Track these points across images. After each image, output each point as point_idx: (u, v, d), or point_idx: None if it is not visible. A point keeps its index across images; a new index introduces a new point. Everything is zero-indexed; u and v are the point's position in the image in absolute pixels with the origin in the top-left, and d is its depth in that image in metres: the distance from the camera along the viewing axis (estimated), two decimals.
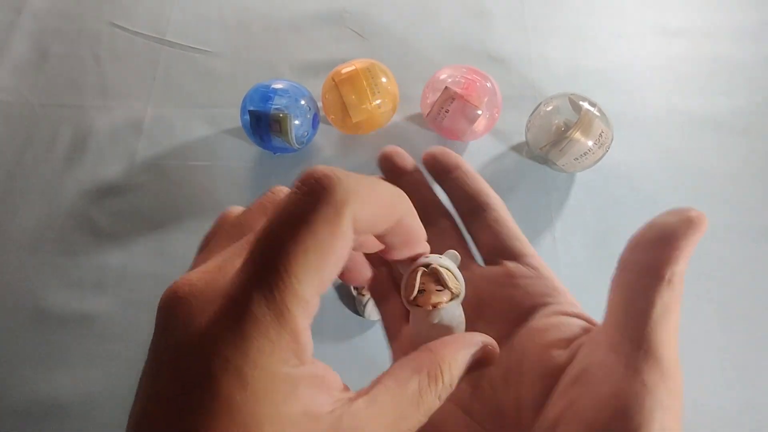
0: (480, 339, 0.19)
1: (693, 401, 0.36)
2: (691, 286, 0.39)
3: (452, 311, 0.22)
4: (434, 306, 0.21)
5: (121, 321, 0.39)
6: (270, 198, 0.19)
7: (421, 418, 0.17)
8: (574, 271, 0.40)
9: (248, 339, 0.14)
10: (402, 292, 0.22)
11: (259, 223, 0.16)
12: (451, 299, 0.22)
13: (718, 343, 0.38)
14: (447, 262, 0.23)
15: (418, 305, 0.21)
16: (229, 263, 0.15)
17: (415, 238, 0.19)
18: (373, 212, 0.16)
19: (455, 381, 0.18)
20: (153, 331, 0.16)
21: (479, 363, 0.19)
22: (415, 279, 0.21)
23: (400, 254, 0.20)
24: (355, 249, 0.18)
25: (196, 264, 0.17)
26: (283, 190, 0.19)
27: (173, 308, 0.15)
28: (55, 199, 0.44)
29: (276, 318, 0.14)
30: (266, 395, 0.14)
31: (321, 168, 0.15)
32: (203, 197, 0.44)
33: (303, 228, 0.14)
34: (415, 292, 0.21)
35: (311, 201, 0.14)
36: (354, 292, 0.38)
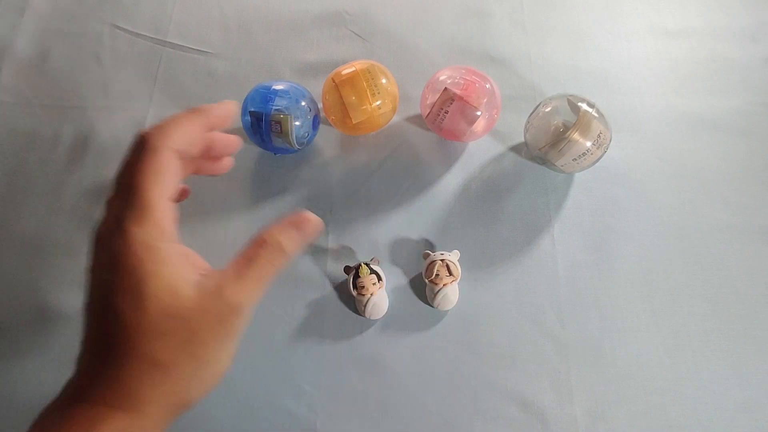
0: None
1: (692, 401, 0.36)
2: (690, 286, 0.40)
3: (454, 287, 0.39)
4: (444, 285, 0.38)
5: None
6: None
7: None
8: (572, 272, 0.41)
9: (131, 226, 0.24)
10: (424, 274, 0.39)
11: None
12: (453, 281, 0.38)
13: (717, 343, 0.38)
14: (453, 257, 0.39)
15: (434, 283, 0.38)
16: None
17: (230, 145, 0.31)
18: (186, 140, 0.26)
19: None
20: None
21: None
22: (434, 267, 0.38)
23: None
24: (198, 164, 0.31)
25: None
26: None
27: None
28: (57, 199, 0.44)
29: (141, 211, 0.24)
30: (147, 254, 0.24)
31: (143, 129, 0.25)
32: (204, 197, 0.44)
33: (138, 164, 0.24)
34: (434, 275, 0.38)
35: (139, 150, 0.24)
36: (354, 293, 0.38)
